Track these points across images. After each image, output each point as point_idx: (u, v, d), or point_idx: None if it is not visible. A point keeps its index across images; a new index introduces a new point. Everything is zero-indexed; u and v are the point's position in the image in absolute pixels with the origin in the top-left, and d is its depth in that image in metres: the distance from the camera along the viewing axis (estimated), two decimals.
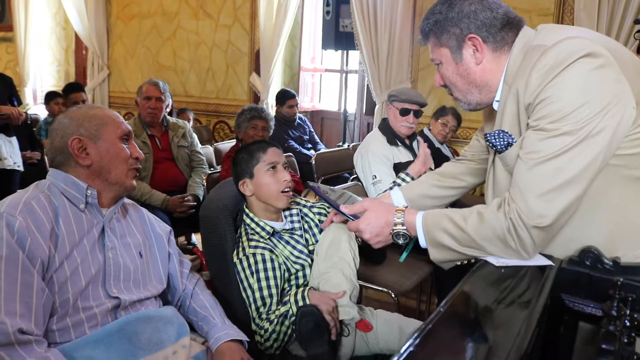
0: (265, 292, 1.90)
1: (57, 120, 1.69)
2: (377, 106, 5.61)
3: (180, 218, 3.74)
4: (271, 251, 1.96)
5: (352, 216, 1.60)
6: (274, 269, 1.93)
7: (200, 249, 2.23)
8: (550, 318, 1.28)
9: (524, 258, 1.37)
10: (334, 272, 1.90)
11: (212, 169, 4.40)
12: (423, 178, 2.07)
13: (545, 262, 1.37)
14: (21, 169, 4.30)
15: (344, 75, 6.16)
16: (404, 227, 1.51)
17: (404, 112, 3.24)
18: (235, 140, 4.03)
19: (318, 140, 5.74)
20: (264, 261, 1.92)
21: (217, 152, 4.93)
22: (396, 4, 5.28)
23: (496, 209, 1.38)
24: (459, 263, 1.50)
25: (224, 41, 6.95)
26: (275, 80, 6.47)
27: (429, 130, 4.41)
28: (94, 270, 1.55)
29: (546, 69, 1.32)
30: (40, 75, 8.69)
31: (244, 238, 2.00)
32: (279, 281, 1.94)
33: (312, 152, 5.27)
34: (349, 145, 5.25)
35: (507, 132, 1.47)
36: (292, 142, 5.31)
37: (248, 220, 2.04)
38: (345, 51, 6.03)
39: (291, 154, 4.55)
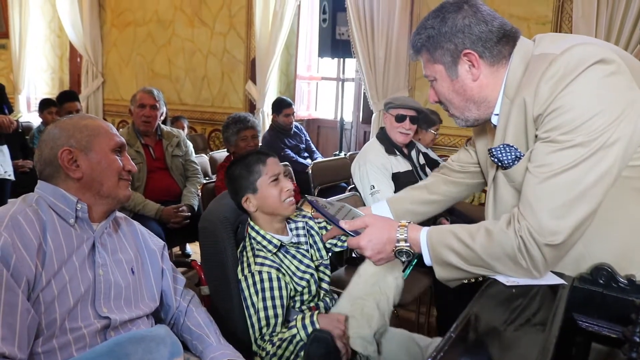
0: (270, 312, 1.81)
1: (47, 130, 1.62)
2: (374, 114, 5.56)
3: (174, 228, 3.68)
4: (278, 269, 1.87)
5: (352, 232, 1.53)
6: (280, 288, 1.84)
7: (199, 262, 2.14)
8: (562, 338, 1.22)
9: (535, 277, 1.31)
10: (369, 301, 1.81)
11: (207, 178, 4.34)
12: (413, 193, 2.02)
13: (557, 280, 1.31)
14: (12, 178, 4.22)
15: (341, 83, 6.12)
16: (407, 244, 1.44)
17: (400, 119, 3.19)
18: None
19: (314, 149, 5.69)
20: (270, 280, 1.83)
21: (212, 161, 4.87)
22: (393, 11, 5.25)
23: (505, 226, 1.32)
24: (465, 281, 1.44)
25: (220, 49, 6.90)
26: (271, 89, 6.43)
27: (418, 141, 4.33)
28: (83, 288, 1.48)
29: (557, 78, 1.26)
30: (34, 83, 8.63)
31: (250, 254, 1.91)
32: (284, 301, 1.85)
33: (308, 161, 5.21)
34: (345, 154, 5.19)
35: (513, 146, 1.41)
36: (289, 151, 5.25)
37: (254, 234, 1.94)
38: (341, 59, 5.99)
39: (287, 163, 4.49)
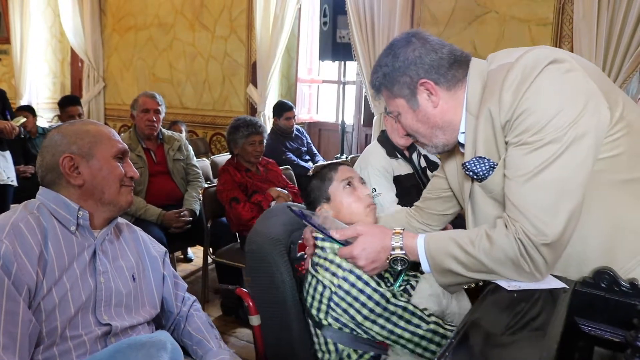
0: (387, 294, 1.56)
1: (49, 136, 1.62)
2: (375, 117, 5.56)
3: (176, 233, 3.68)
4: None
5: (342, 242, 1.49)
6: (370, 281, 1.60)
7: (244, 289, 1.92)
8: (564, 343, 1.22)
9: (537, 279, 1.31)
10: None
11: (208, 182, 4.35)
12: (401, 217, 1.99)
13: (559, 284, 1.31)
14: (15, 183, 4.24)
15: (342, 86, 6.12)
16: (403, 252, 1.43)
17: None
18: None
19: (316, 152, 5.69)
20: (361, 276, 1.58)
21: (213, 165, 4.87)
22: (393, 14, 5.24)
23: (505, 230, 1.32)
24: (465, 287, 1.44)
25: (221, 53, 6.91)
26: (272, 92, 6.43)
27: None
28: (85, 296, 1.47)
29: (516, 84, 1.31)
30: (35, 88, 8.64)
31: (330, 256, 1.63)
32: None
33: (309, 164, 5.22)
34: (347, 157, 5.19)
35: (485, 157, 1.42)
36: (290, 154, 5.25)
37: (328, 245, 1.67)
38: (342, 62, 5.99)
39: (289, 166, 4.49)
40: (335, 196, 1.81)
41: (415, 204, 1.98)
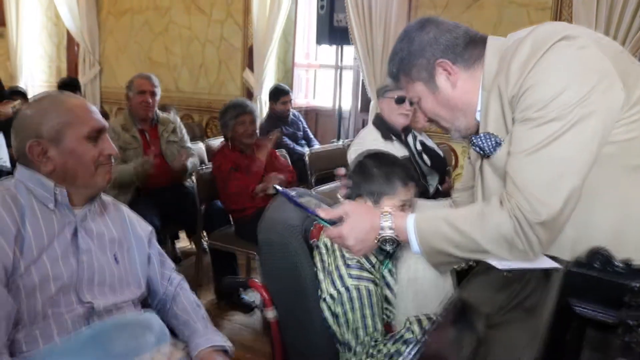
0: (370, 330, 1.57)
1: (21, 113, 1.55)
2: (372, 102, 5.51)
3: (170, 214, 3.68)
4: (375, 282, 1.61)
5: (328, 222, 1.44)
6: (378, 302, 1.60)
7: (258, 281, 1.84)
8: (557, 324, 1.19)
9: (530, 259, 1.27)
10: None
11: (202, 165, 4.31)
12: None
13: (552, 264, 1.27)
14: (7, 165, 4.19)
15: (339, 71, 6.06)
16: (392, 232, 1.38)
17: (400, 100, 3.13)
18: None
19: (312, 137, 5.66)
20: (369, 295, 1.58)
21: (208, 148, 4.83)
22: None
23: (499, 207, 1.28)
24: (457, 267, 1.40)
25: (217, 37, 6.84)
26: (268, 76, 6.37)
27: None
28: (66, 275, 1.43)
29: (524, 58, 1.27)
30: (31, 72, 8.56)
31: (339, 263, 1.61)
32: (381, 315, 1.62)
33: (306, 149, 5.17)
34: (343, 143, 5.15)
35: (493, 134, 1.39)
36: (286, 139, 5.21)
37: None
38: (339, 46, 5.94)
39: (284, 150, 4.46)
40: (382, 206, 1.64)
41: (455, 189, 1.86)
